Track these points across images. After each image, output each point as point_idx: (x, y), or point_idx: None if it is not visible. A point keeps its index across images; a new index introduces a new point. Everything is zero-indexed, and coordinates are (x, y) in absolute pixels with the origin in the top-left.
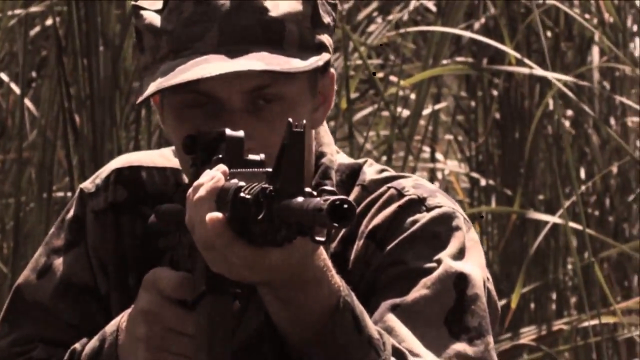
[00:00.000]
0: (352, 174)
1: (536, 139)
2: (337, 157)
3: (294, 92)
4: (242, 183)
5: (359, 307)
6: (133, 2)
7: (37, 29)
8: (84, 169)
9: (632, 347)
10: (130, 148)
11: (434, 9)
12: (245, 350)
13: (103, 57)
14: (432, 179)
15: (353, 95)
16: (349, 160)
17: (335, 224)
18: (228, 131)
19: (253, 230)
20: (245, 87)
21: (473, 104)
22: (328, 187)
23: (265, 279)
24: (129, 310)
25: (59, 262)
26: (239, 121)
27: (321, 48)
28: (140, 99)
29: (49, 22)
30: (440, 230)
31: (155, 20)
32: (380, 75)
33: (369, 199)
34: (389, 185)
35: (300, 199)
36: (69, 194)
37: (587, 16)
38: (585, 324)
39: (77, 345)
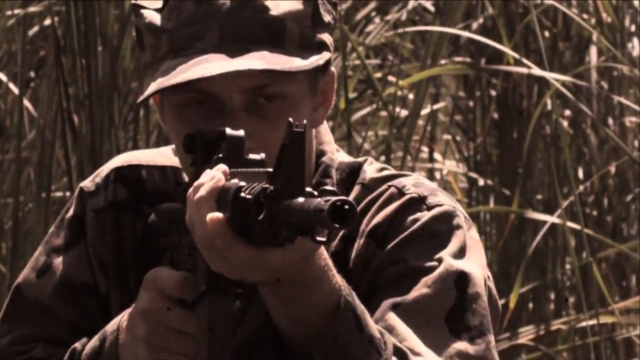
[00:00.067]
0: (352, 172)
1: (534, 138)
2: (338, 155)
3: (294, 91)
4: (242, 183)
5: (360, 307)
6: (133, 1)
7: (35, 29)
8: (82, 168)
9: (630, 347)
10: (129, 148)
11: (432, 9)
12: (246, 349)
13: (101, 57)
14: (430, 179)
15: (351, 95)
16: (349, 158)
17: (336, 225)
18: (228, 130)
19: (254, 230)
20: (246, 86)
21: (471, 104)
22: (329, 187)
23: (265, 279)
24: (129, 310)
25: (58, 261)
26: (239, 120)
27: (322, 47)
28: (141, 98)
29: (47, 22)
30: (441, 229)
31: (156, 19)
32: (378, 75)
33: (369, 197)
34: (389, 183)
35: (301, 199)
36: (68, 193)
37: (585, 16)
38: (584, 323)
39: (78, 345)
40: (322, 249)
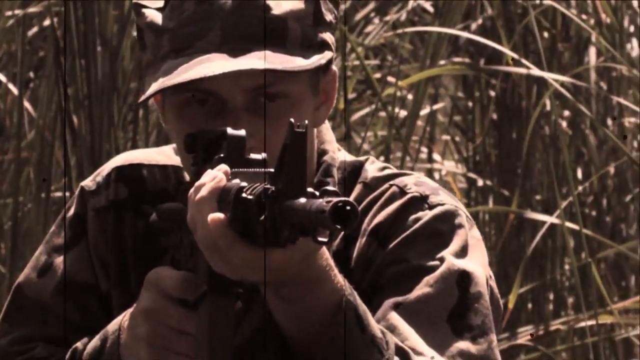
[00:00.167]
0: (354, 171)
1: (533, 139)
2: (339, 154)
3: (296, 90)
4: (244, 183)
5: (362, 306)
6: (134, 0)
7: (35, 29)
8: (82, 169)
9: (629, 347)
10: (128, 148)
11: (431, 9)
12: (247, 349)
13: (101, 57)
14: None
15: (350, 95)
16: (351, 157)
17: (338, 226)
18: (229, 130)
19: (255, 230)
20: (248, 85)
21: (470, 104)
22: (330, 188)
23: (267, 279)
24: (130, 309)
25: (59, 260)
26: (240, 120)
27: (323, 46)
28: (143, 98)
29: (46, 22)
30: (443, 228)
31: (157, 18)
32: (377, 75)
33: (371, 196)
34: (391, 182)
35: (302, 200)
36: (67, 194)
37: (584, 17)
38: (583, 324)
39: (79, 345)
40: (324, 248)
